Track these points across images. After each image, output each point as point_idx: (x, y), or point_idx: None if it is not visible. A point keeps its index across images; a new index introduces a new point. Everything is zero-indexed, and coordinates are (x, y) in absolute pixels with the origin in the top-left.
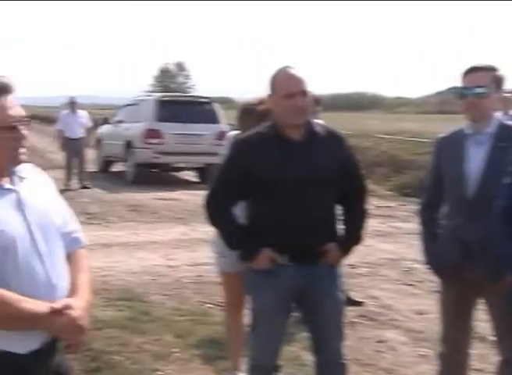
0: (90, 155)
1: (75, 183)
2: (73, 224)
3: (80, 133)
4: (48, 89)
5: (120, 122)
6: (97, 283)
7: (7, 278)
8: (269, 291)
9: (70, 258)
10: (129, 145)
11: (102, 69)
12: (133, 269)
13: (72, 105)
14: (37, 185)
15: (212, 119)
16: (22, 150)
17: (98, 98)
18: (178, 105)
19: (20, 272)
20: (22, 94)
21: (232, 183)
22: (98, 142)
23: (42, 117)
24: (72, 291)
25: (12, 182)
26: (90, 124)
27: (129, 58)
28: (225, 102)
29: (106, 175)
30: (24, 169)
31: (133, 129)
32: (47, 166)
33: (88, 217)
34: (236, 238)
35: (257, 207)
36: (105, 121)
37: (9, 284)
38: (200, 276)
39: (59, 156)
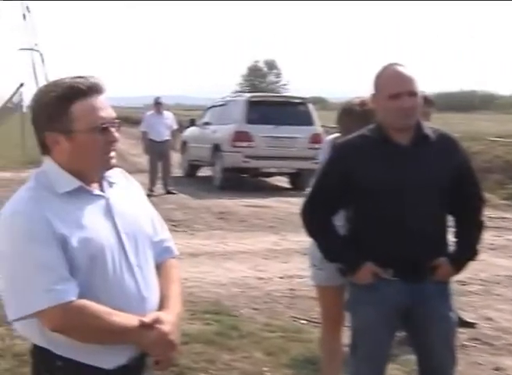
0: (176, 158)
1: (159, 188)
2: (164, 232)
3: (165, 135)
4: (132, 89)
5: (207, 124)
6: (183, 295)
7: (96, 289)
8: (371, 308)
9: (160, 268)
10: (216, 149)
11: (188, 69)
12: (221, 281)
13: (158, 105)
14: (126, 191)
15: (306, 120)
16: (112, 153)
17: (184, 98)
18: (269, 105)
19: (109, 283)
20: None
21: (333, 189)
22: (184, 145)
23: (125, 118)
24: (163, 304)
25: (101, 187)
26: (175, 126)
27: (217, 56)
28: (318, 102)
29: (192, 180)
30: (113, 174)
31: (221, 131)
32: (130, 169)
33: (173, 224)
34: (335, 250)
35: (359, 217)
36: (192, 123)
37: (98, 296)
38: (292, 289)
39: (143, 160)
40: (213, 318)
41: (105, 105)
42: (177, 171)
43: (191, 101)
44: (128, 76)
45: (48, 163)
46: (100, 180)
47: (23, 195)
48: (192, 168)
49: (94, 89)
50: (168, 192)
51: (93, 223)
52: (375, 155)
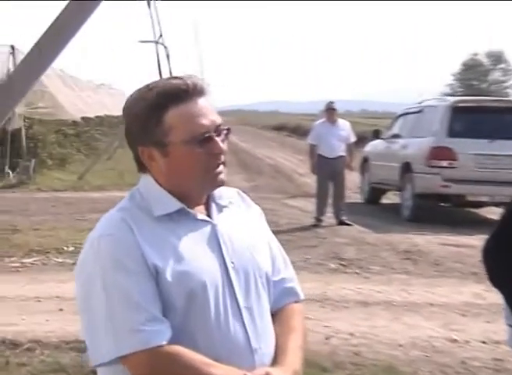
0: (352, 180)
1: (329, 217)
2: (287, 271)
3: (338, 150)
4: (307, 92)
5: (396, 136)
6: (345, 355)
7: (193, 334)
8: None
9: (280, 314)
10: (407, 169)
11: (377, 67)
12: (398, 340)
13: (330, 112)
14: (241, 217)
15: None
16: (219, 169)
17: (371, 104)
18: (481, 113)
19: (210, 327)
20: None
21: None
22: (364, 163)
23: (292, 128)
24: (277, 359)
25: (208, 211)
26: (352, 139)
27: (418, 52)
28: None
29: (373, 208)
30: (226, 196)
31: (414, 146)
32: (295, 192)
33: (342, 264)
34: None
35: None
36: (376, 135)
37: (195, 342)
38: (498, 359)
39: (312, 181)
40: None
41: (207, 110)
42: (354, 196)
43: (381, 106)
44: (297, 77)
45: (145, 181)
46: (207, 203)
47: (115, 216)
48: (374, 193)
49: (191, 92)
50: (341, 222)
51: (194, 253)
52: None
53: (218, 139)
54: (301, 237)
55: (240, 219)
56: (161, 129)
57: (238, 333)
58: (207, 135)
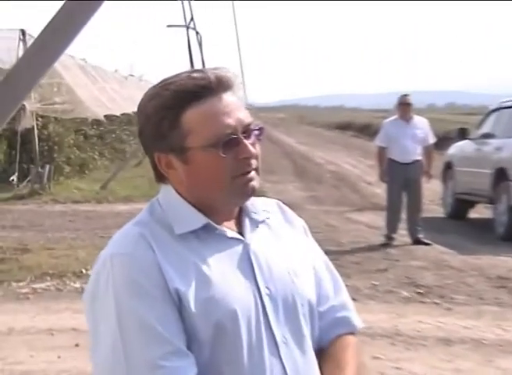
0: (433, 189)
1: (403, 235)
2: (338, 297)
3: (414, 153)
4: (377, 83)
5: (487, 136)
6: None
7: (221, 370)
8: None
9: (328, 348)
10: (501, 176)
11: (469, 55)
12: None
13: (404, 107)
14: (280, 234)
15: None
16: (249, 176)
17: (463, 96)
18: None
19: (242, 365)
20: (334, 91)
21: None
22: (448, 170)
23: (359, 126)
24: None
25: (239, 227)
26: (431, 140)
27: None
28: None
29: (458, 224)
30: (261, 208)
31: (510, 148)
32: (360, 204)
33: (418, 292)
34: None
35: None
36: (462, 134)
37: None
38: None
39: (381, 190)
40: None
41: (233, 108)
42: (434, 209)
43: (474, 99)
44: (363, 66)
45: (165, 192)
46: (239, 217)
47: (131, 231)
48: (459, 205)
49: (214, 87)
50: (417, 241)
51: (222, 277)
52: None
53: (246, 141)
54: (368, 259)
55: (279, 237)
56: (179, 132)
57: (275, 370)
58: (232, 137)
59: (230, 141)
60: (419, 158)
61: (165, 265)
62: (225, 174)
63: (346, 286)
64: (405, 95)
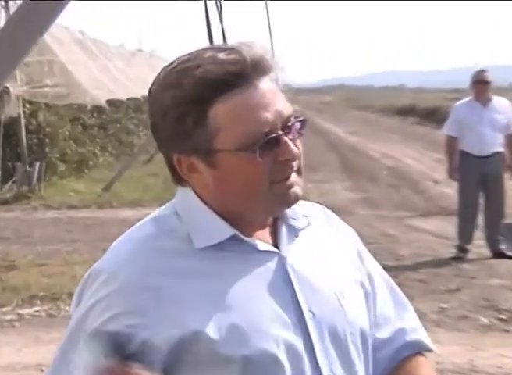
0: None
1: (480, 245)
2: (402, 321)
3: (493, 144)
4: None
5: None
6: None
7: None
8: None
9: (398, 369)
10: None
11: None
12: None
13: (480, 87)
14: (325, 246)
15: None
16: (291, 180)
17: None
18: None
19: None
20: (388, 68)
21: None
22: None
23: (425, 111)
24: None
25: (274, 238)
26: None
27: None
28: None
29: None
30: (301, 213)
31: None
32: (425, 208)
33: (501, 318)
34: None
35: None
36: None
37: None
38: None
39: (452, 190)
40: None
41: (272, 97)
42: None
43: None
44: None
45: (184, 196)
46: (274, 224)
47: (135, 244)
48: None
49: (250, 72)
50: (499, 254)
51: (253, 300)
52: None
53: (287, 139)
54: (436, 277)
55: (322, 249)
56: (205, 131)
57: None
58: (271, 137)
59: (269, 142)
60: (500, 149)
61: (175, 296)
62: (262, 181)
63: None
64: (482, 71)
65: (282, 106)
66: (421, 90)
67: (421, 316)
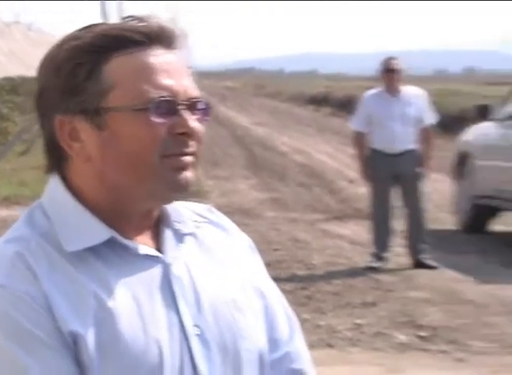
0: (442, 191)
1: (398, 254)
2: (294, 341)
3: (405, 140)
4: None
5: None
6: None
7: None
8: None
9: None
10: None
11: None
12: None
13: (390, 75)
14: (214, 253)
15: None
16: (185, 159)
17: (488, 57)
18: None
19: None
20: (304, 50)
21: None
22: (462, 163)
23: (340, 99)
24: None
25: (157, 242)
26: (430, 119)
27: None
28: None
29: (478, 240)
30: (187, 215)
31: None
32: (340, 210)
33: (419, 335)
34: None
35: None
36: (482, 113)
37: None
38: None
39: (366, 190)
40: None
41: (178, 69)
42: (443, 219)
43: (497, 62)
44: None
45: (53, 190)
46: (157, 226)
47: (4, 251)
48: (479, 213)
49: (154, 37)
50: (419, 264)
51: (130, 314)
52: None
53: (188, 113)
54: (350, 289)
55: (213, 256)
56: (98, 85)
57: None
58: (170, 99)
59: (166, 105)
60: (413, 146)
61: (55, 297)
62: (152, 149)
63: (320, 326)
64: (390, 58)
65: (189, 84)
66: (337, 76)
67: (334, 332)
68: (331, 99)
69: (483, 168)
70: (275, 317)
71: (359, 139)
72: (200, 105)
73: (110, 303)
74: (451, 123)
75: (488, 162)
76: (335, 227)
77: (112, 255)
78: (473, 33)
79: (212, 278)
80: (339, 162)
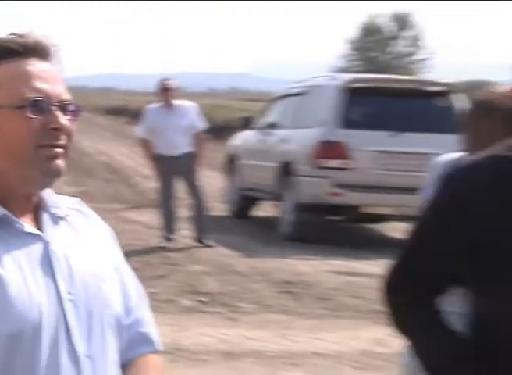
0: (214, 185)
1: (185, 236)
2: (142, 309)
3: (182, 145)
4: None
5: (273, 126)
6: None
7: None
8: None
9: (130, 368)
10: (286, 170)
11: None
12: None
13: (165, 93)
14: (82, 234)
15: (451, 125)
16: (58, 150)
17: (247, 80)
18: (384, 96)
19: None
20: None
21: (442, 254)
22: (231, 163)
23: (134, 111)
24: None
25: (38, 222)
26: (200, 125)
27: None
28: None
29: (243, 223)
30: (62, 203)
31: (296, 140)
32: (136, 200)
33: (201, 300)
34: (442, 356)
35: (484, 303)
36: (245, 123)
37: None
38: None
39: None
40: None
41: (52, 77)
42: (219, 207)
43: (262, 83)
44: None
45: None
46: (37, 210)
47: None
48: (244, 202)
49: (32, 50)
50: (200, 242)
51: (16, 280)
52: None
53: (58, 112)
54: (146, 265)
55: (82, 237)
56: None
57: None
58: (44, 100)
59: (39, 104)
60: (189, 149)
61: None
62: (28, 140)
63: None
64: (164, 79)
65: (61, 89)
66: (130, 92)
67: None
68: (127, 110)
69: (246, 166)
70: (128, 289)
71: (145, 145)
72: (70, 107)
73: (1, 271)
74: (221, 130)
75: (249, 161)
76: (133, 215)
77: (2, 231)
78: (234, 58)
79: (82, 255)
80: (134, 161)
